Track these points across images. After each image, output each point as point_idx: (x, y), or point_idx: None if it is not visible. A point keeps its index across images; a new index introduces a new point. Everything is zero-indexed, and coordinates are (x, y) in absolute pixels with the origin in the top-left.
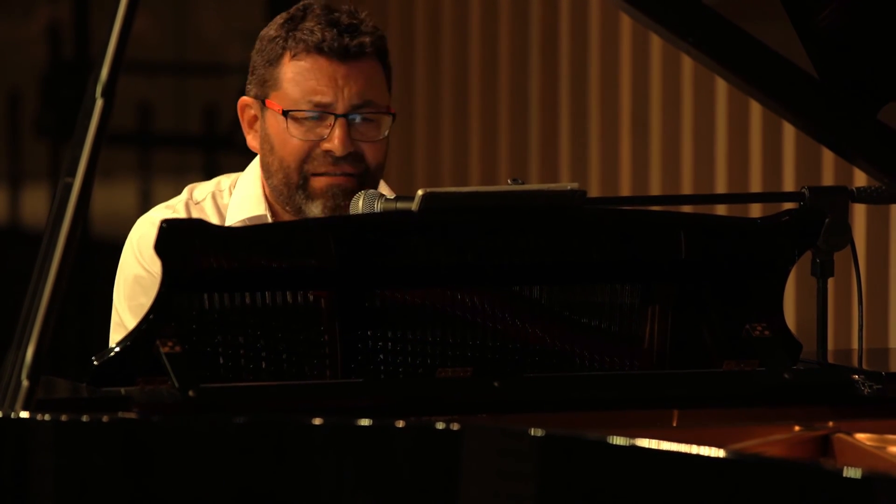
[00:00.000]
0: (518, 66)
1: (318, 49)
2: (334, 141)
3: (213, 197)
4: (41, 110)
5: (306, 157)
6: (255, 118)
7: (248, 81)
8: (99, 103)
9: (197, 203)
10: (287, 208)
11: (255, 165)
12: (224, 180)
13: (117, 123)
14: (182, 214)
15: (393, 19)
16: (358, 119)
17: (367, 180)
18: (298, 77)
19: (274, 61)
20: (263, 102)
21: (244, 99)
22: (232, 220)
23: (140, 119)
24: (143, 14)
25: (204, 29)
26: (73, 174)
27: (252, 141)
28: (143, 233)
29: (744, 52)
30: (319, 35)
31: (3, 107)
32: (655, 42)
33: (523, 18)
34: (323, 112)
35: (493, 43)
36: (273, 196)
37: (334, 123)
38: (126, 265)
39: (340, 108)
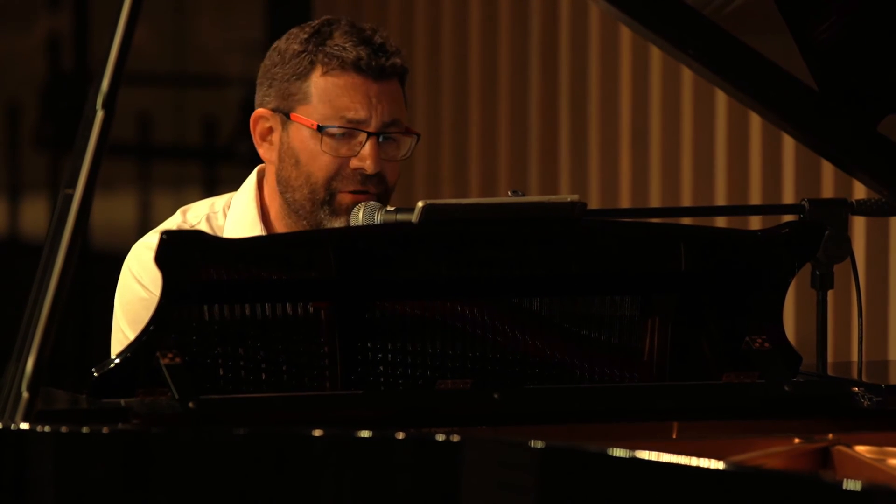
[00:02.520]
0: (518, 77)
1: (356, 67)
2: (367, 160)
3: (208, 219)
4: (40, 122)
5: (335, 174)
6: (270, 130)
7: (263, 94)
8: (100, 115)
9: (192, 226)
10: (303, 223)
11: (249, 185)
12: (218, 202)
13: (116, 135)
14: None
15: (392, 32)
16: (382, 138)
17: (383, 200)
18: (331, 93)
19: (302, 75)
20: (287, 116)
21: (260, 111)
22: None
23: (139, 130)
24: (142, 25)
25: (203, 40)
26: (73, 185)
27: (266, 153)
28: (141, 257)
29: (743, 65)
30: (355, 52)
31: (2, 118)
32: (655, 54)
33: (523, 30)
34: (355, 129)
35: (492, 54)
36: (284, 210)
37: (366, 141)
38: (126, 290)
39: (373, 127)
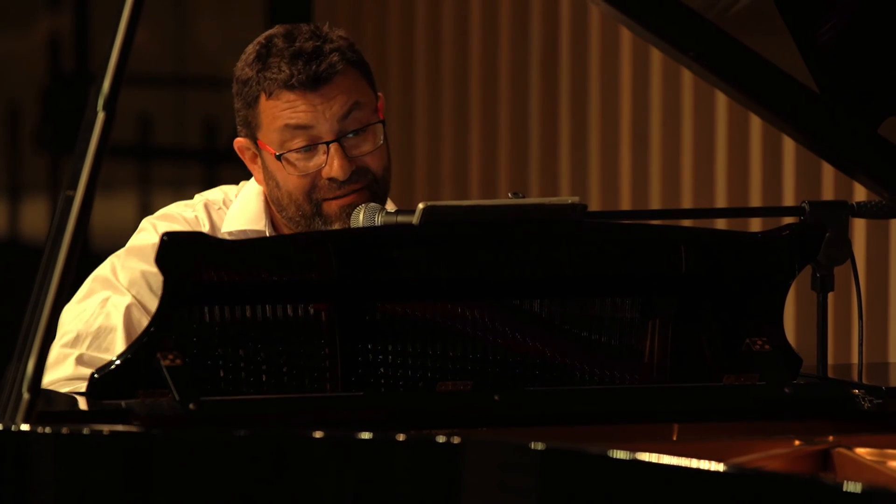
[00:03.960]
0: (518, 79)
1: (288, 85)
2: (335, 168)
3: (206, 207)
4: (41, 123)
5: (311, 188)
6: (255, 156)
7: (237, 122)
8: (101, 116)
9: (218, 209)
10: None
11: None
12: (231, 190)
13: (117, 136)
14: (202, 214)
15: (393, 33)
16: (350, 135)
17: (376, 188)
18: (276, 117)
19: (252, 103)
20: (256, 143)
21: (239, 140)
22: (228, 228)
23: (140, 132)
24: (142, 27)
25: (204, 42)
26: (74, 187)
27: (257, 177)
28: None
29: (744, 67)
30: (288, 71)
31: (2, 119)
32: (656, 56)
33: (523, 32)
34: (313, 144)
35: (493, 56)
36: (290, 225)
37: (329, 151)
38: (140, 238)
39: (328, 134)
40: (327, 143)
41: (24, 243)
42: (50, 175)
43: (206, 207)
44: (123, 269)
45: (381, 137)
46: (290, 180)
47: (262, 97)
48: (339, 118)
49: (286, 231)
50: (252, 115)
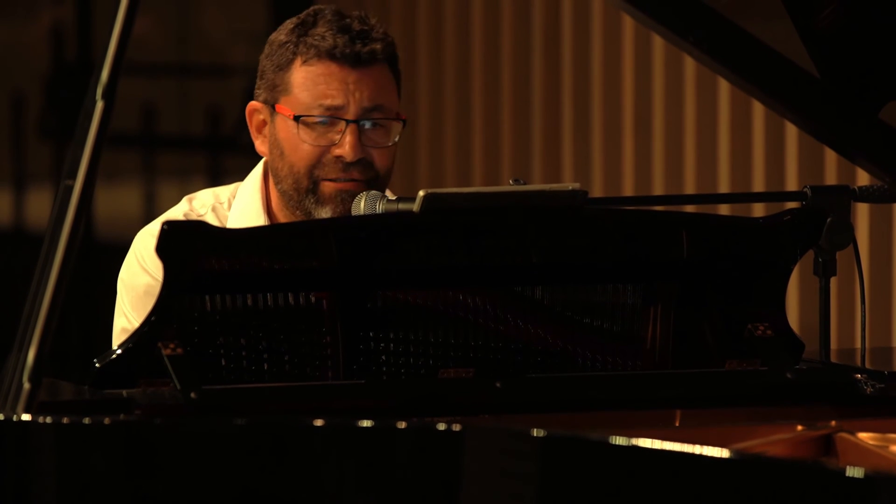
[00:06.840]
0: (520, 66)
1: (330, 55)
2: (345, 147)
3: (214, 209)
4: (44, 112)
5: (316, 163)
6: (264, 123)
7: (256, 86)
8: (99, 105)
9: (199, 216)
10: (297, 213)
11: (254, 176)
12: (222, 192)
13: (121, 125)
14: None
15: (395, 20)
16: (368, 125)
17: (375, 186)
18: (309, 82)
19: (284, 66)
20: (273, 107)
21: (253, 104)
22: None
23: (143, 121)
24: (145, 15)
25: (207, 30)
26: (73, 176)
27: (260, 146)
28: (147, 245)
29: (745, 52)
30: (331, 41)
31: (6, 109)
32: (657, 42)
33: (525, 18)
34: (333, 117)
35: (495, 43)
36: (282, 201)
37: (345, 129)
38: (132, 276)
39: (351, 114)
40: (347, 122)
41: (29, 232)
42: (54, 164)
43: (187, 217)
44: (138, 316)
45: (396, 137)
46: (300, 149)
47: (298, 61)
48: (365, 105)
49: (284, 220)
50: (280, 78)
